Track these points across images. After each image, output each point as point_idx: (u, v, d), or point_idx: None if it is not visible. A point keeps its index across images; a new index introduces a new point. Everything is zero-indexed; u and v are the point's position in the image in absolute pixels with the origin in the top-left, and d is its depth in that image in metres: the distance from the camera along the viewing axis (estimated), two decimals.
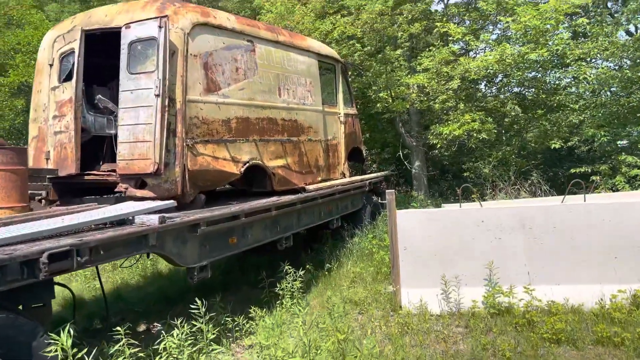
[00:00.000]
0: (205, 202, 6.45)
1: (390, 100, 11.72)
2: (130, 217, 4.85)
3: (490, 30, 12.14)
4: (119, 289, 8.75)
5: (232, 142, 6.74)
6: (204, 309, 4.65)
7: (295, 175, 8.11)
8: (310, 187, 8.21)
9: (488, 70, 11.24)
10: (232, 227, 5.99)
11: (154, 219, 4.72)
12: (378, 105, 12.28)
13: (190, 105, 6.13)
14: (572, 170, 10.95)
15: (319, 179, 8.86)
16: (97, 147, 7.34)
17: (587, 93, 11.45)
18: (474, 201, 8.90)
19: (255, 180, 7.72)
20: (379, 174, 11.61)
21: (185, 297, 8.54)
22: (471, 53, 13.73)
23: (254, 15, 14.21)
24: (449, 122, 11.28)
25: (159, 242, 4.84)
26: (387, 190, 7.06)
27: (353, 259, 9.02)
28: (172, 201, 5.53)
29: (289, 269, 7.09)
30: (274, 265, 8.98)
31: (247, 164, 6.99)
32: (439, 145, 11.41)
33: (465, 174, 13.44)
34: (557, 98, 11.46)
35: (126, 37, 6.03)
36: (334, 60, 9.94)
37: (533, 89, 13.14)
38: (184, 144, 5.98)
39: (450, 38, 12.30)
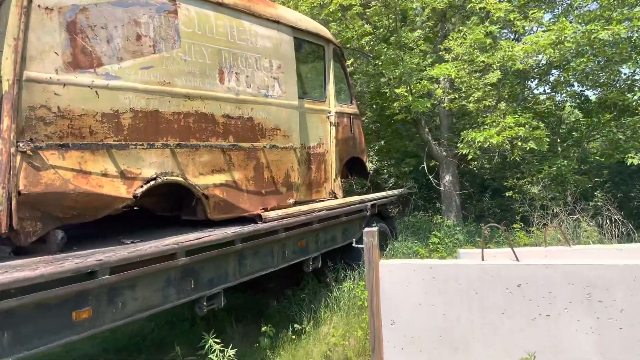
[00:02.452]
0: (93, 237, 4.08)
1: (410, 98, 9.04)
2: None
3: (543, 8, 9.25)
4: None
5: (121, 147, 4.33)
6: None
7: (248, 198, 5.62)
8: (272, 214, 5.71)
9: (540, 59, 8.39)
10: (85, 293, 3.56)
11: None
12: (395, 104, 9.59)
13: (34, 88, 3.76)
14: None
15: (291, 201, 6.32)
16: None
17: None
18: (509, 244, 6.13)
19: (183, 204, 5.34)
20: (388, 192, 8.90)
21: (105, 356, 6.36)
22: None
23: None
24: (485, 126, 8.47)
25: None
26: (365, 230, 4.46)
27: (338, 315, 6.47)
28: None
29: (215, 342, 4.69)
30: (241, 311, 6.68)
31: (153, 182, 4.57)
32: (470, 157, 8.61)
33: (507, 194, 10.56)
34: (636, 96, 8.45)
35: None
36: (323, 40, 7.32)
37: (599, 88, 10.14)
38: (14, 149, 3.61)
39: (490, 25, 9.40)
